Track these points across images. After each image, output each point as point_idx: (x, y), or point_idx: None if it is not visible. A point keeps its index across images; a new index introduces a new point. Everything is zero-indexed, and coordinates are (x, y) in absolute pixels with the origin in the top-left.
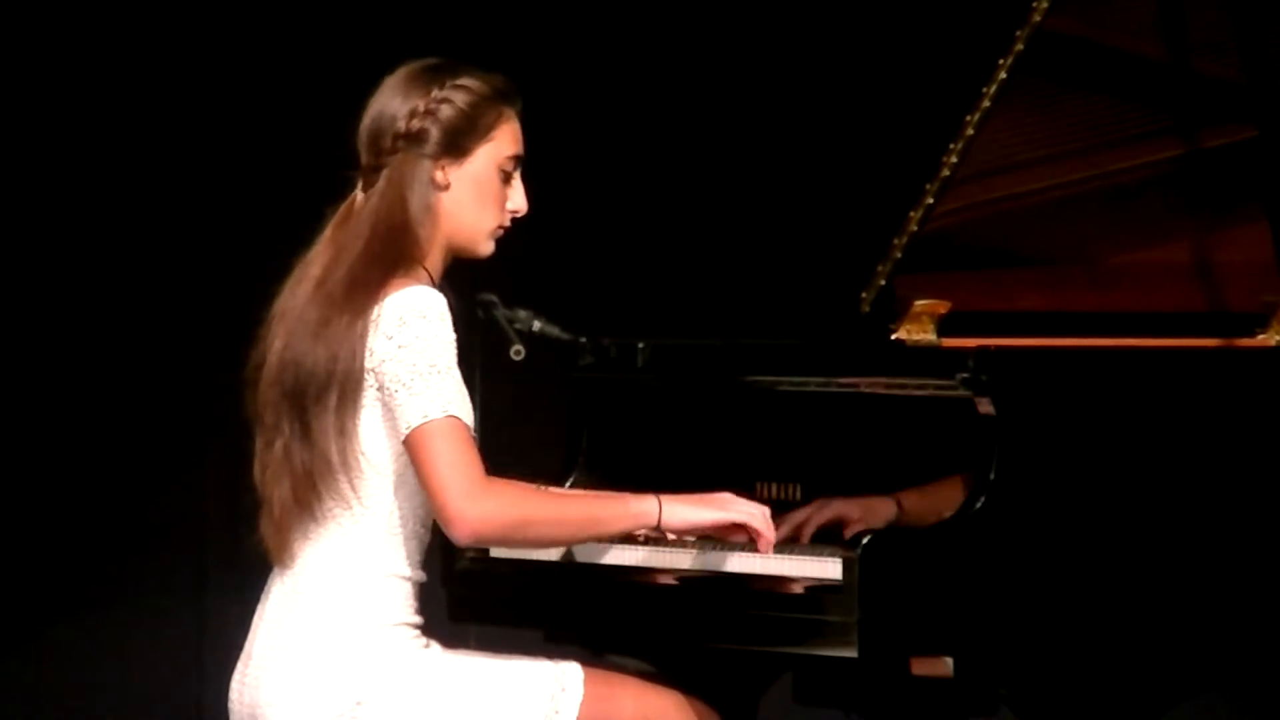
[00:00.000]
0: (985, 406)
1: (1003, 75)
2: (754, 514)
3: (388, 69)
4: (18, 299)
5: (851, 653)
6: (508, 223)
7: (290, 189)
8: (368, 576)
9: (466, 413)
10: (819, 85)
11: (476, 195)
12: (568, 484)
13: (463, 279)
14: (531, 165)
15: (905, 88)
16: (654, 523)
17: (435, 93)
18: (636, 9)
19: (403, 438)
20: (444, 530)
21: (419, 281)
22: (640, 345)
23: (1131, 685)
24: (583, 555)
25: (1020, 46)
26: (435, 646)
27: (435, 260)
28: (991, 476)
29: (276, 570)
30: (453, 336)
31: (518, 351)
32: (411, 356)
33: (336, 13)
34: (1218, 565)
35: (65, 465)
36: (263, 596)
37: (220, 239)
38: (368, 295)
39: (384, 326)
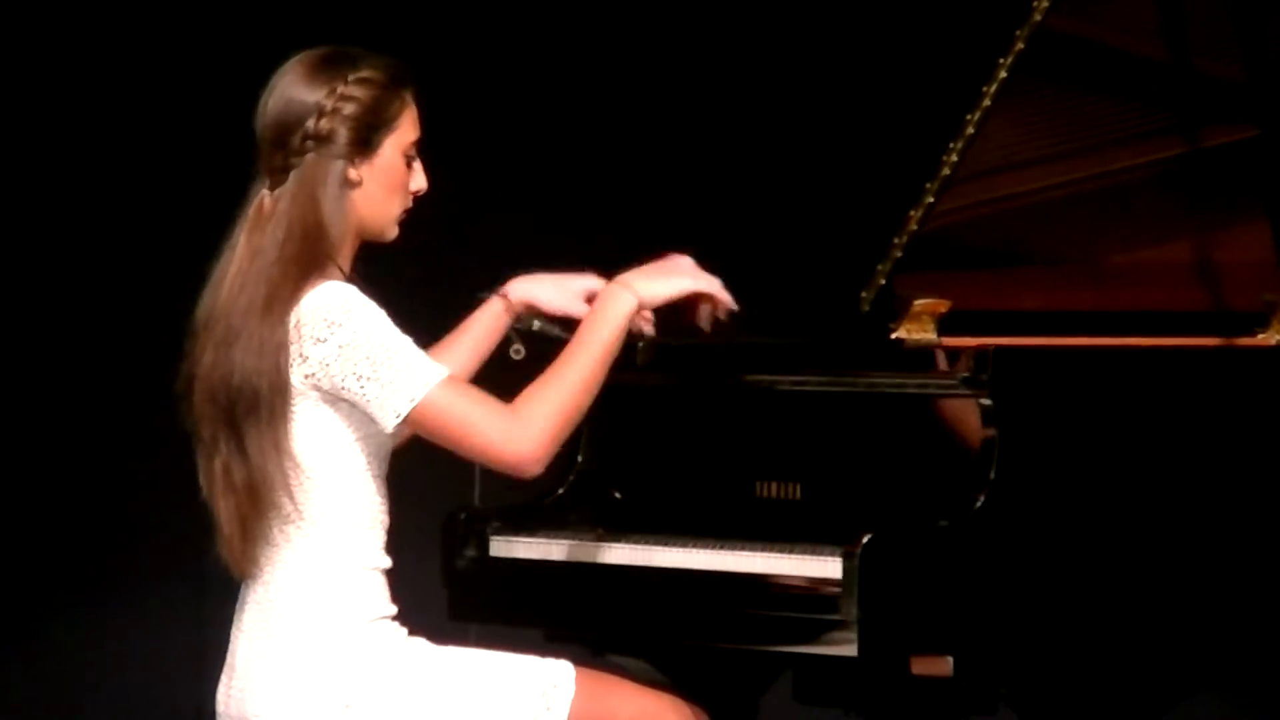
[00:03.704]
0: (985, 405)
1: (1003, 74)
2: (713, 281)
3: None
4: (17, 297)
5: (851, 652)
6: (410, 203)
7: None
8: (335, 577)
9: (441, 369)
10: (820, 84)
11: (386, 186)
12: (568, 481)
13: (462, 279)
14: (533, 163)
15: (906, 87)
16: (637, 309)
17: (340, 89)
18: (638, 7)
19: (391, 427)
20: (510, 475)
21: (329, 278)
22: (640, 344)
23: (1132, 684)
24: (583, 555)
25: (1021, 46)
26: (421, 640)
27: (346, 253)
28: (991, 475)
29: (246, 581)
30: (384, 313)
31: (517, 350)
32: (362, 351)
33: (322, 16)
34: (1218, 564)
35: (63, 465)
36: (237, 608)
37: (219, 239)
38: (284, 304)
39: (310, 331)
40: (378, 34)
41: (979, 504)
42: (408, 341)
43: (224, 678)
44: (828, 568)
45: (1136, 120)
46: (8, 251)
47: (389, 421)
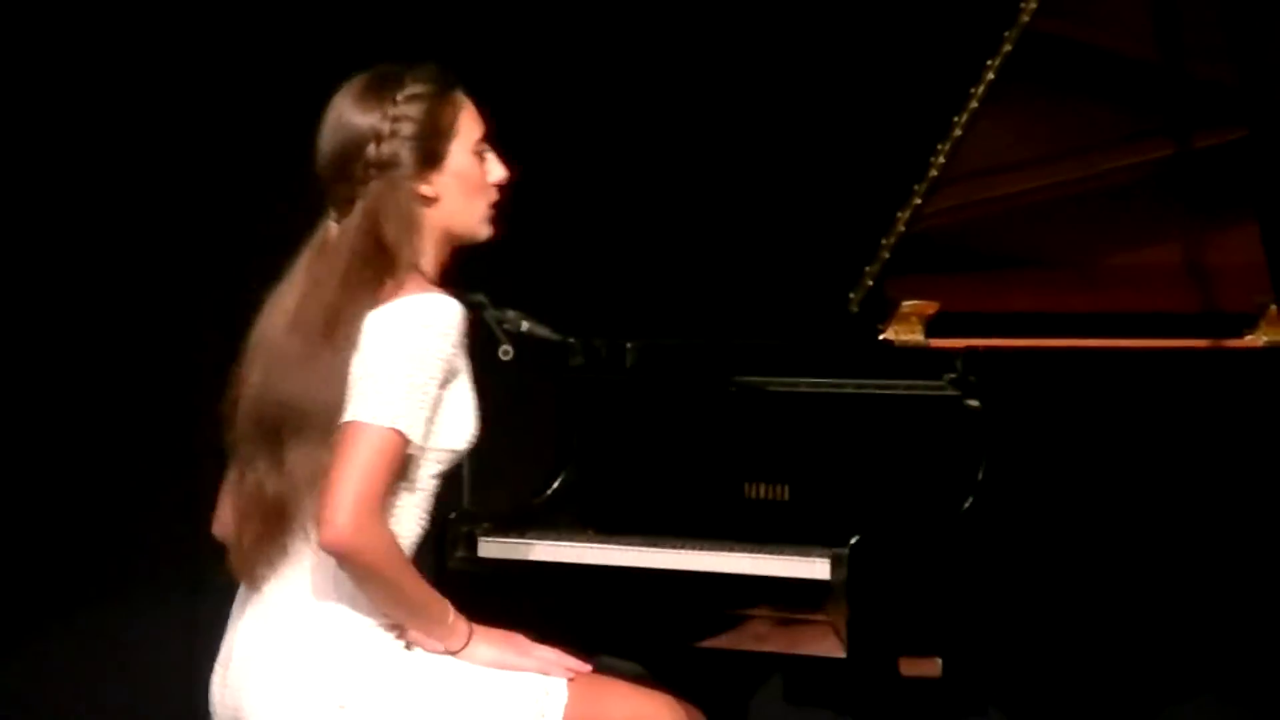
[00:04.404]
0: (973, 406)
1: (991, 76)
2: (550, 663)
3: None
4: (16, 300)
5: (840, 653)
6: (496, 196)
7: (284, 195)
8: (343, 589)
9: (416, 433)
10: (809, 86)
11: (464, 190)
12: (556, 484)
13: (452, 279)
14: (522, 164)
15: (894, 89)
16: (457, 651)
17: (392, 110)
18: (629, 7)
19: (342, 420)
20: (319, 526)
21: (429, 288)
22: (629, 346)
23: (1121, 686)
24: (572, 556)
25: (1008, 48)
26: (419, 649)
27: (433, 261)
28: (980, 477)
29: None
30: (447, 354)
31: (506, 352)
32: (396, 357)
33: (325, 16)
34: (1208, 566)
35: (60, 465)
36: (238, 601)
37: (215, 241)
38: (346, 325)
39: (388, 322)
40: (368, 36)
41: (967, 505)
42: (429, 390)
43: (218, 669)
44: (816, 569)
45: (1125, 122)
46: (8, 257)
47: (346, 415)
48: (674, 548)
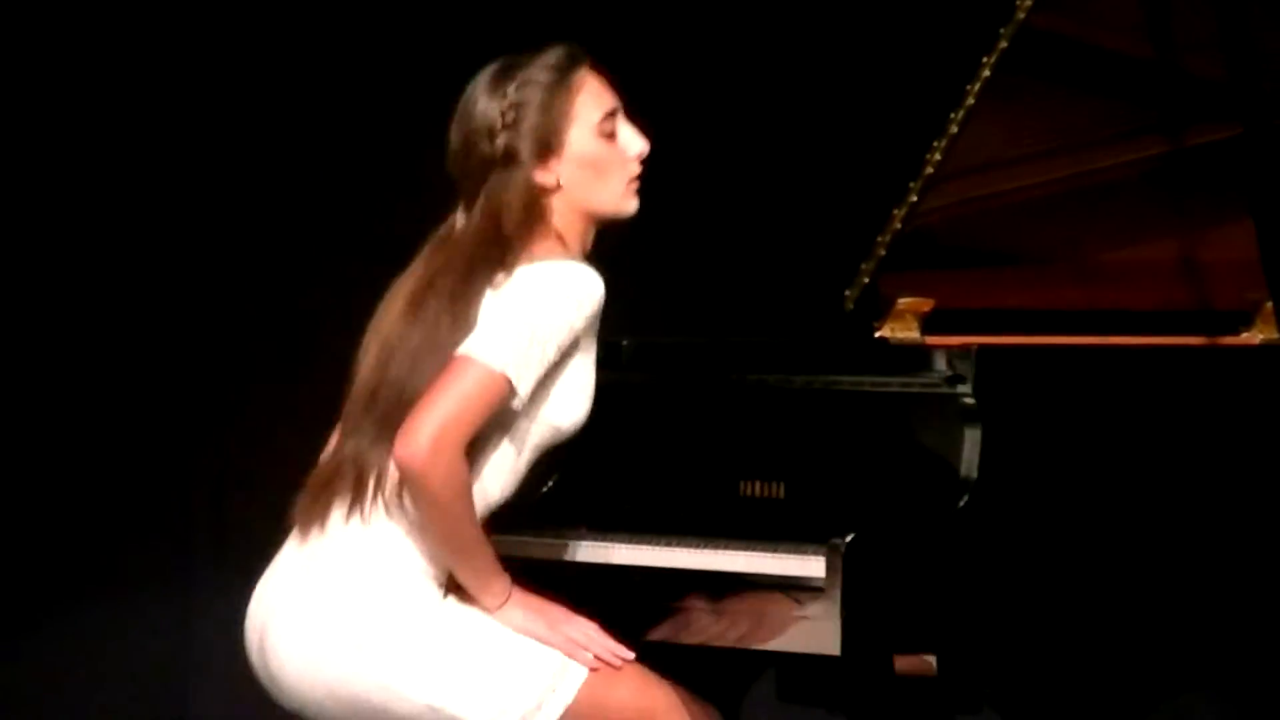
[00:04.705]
0: (969, 404)
1: (987, 73)
2: (575, 647)
3: (390, 76)
4: (14, 301)
5: (834, 650)
6: (636, 170)
7: (274, 190)
8: (403, 547)
9: (524, 386)
10: (805, 83)
11: (593, 171)
12: (550, 481)
13: None
14: None
15: (890, 85)
16: (491, 608)
17: (504, 105)
18: (627, 6)
19: (455, 352)
20: (397, 449)
21: (574, 256)
22: (624, 343)
23: (1116, 684)
24: (566, 553)
25: (1005, 44)
26: (451, 601)
27: (575, 237)
28: (975, 474)
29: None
30: (576, 324)
31: None
32: (526, 309)
33: (338, 18)
34: (1202, 562)
35: (51, 462)
36: (290, 541)
37: (207, 236)
38: (467, 313)
39: (530, 278)
40: (380, 38)
41: (963, 503)
42: (544, 347)
43: (265, 579)
44: (811, 566)
45: (1121, 118)
46: (8, 257)
47: (461, 349)
48: (668, 545)
